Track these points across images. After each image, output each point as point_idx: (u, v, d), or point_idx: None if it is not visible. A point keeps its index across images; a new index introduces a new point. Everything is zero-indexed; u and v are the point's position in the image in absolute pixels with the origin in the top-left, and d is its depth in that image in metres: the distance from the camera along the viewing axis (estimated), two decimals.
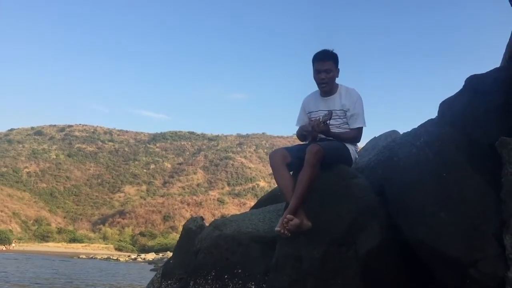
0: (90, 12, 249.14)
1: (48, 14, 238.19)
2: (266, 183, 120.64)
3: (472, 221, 3.02)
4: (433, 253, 3.13)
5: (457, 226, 3.05)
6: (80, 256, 55.89)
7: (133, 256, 62.61)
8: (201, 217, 5.59)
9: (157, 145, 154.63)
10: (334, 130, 3.67)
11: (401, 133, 4.46)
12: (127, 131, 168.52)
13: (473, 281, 2.92)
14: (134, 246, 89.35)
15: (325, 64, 3.73)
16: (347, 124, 3.76)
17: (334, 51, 3.78)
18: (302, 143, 3.88)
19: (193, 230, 5.11)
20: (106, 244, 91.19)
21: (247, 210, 5.34)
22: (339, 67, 3.81)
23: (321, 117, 3.53)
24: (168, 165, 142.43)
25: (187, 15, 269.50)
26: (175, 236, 70.96)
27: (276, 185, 3.97)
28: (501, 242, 2.91)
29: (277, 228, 3.30)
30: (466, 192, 3.12)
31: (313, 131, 3.58)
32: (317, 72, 3.77)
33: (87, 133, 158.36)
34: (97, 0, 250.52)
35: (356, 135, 3.76)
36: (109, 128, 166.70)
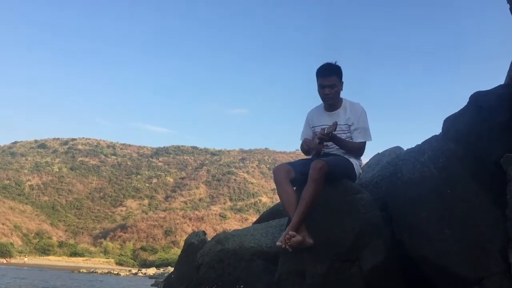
0: (92, 24, 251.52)
1: (50, 25, 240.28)
2: (268, 199, 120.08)
3: (477, 239, 3.00)
4: (437, 270, 3.10)
5: (461, 243, 3.02)
6: (81, 270, 55.53)
7: (134, 271, 62.23)
8: (203, 231, 5.55)
9: (160, 159, 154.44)
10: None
11: (405, 149, 4.44)
12: (130, 145, 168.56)
13: None
14: (135, 261, 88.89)
15: (329, 79, 3.70)
16: (351, 138, 3.74)
17: (337, 64, 3.75)
18: (306, 157, 3.86)
19: (195, 245, 5.07)
20: (107, 258, 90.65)
21: (249, 225, 5.31)
22: (343, 80, 3.78)
23: (325, 128, 3.51)
24: (170, 179, 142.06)
25: (187, 28, 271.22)
26: (176, 251, 70.51)
27: (279, 200, 3.95)
28: (506, 260, 2.88)
29: (278, 242, 3.27)
30: (470, 209, 3.10)
31: (316, 145, 3.57)
32: (321, 87, 3.75)
33: (90, 146, 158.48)
34: (98, 13, 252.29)
35: (360, 147, 3.74)
36: (112, 142, 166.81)
